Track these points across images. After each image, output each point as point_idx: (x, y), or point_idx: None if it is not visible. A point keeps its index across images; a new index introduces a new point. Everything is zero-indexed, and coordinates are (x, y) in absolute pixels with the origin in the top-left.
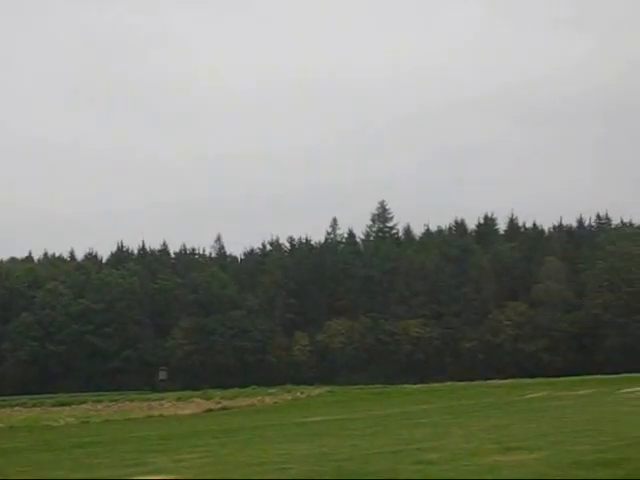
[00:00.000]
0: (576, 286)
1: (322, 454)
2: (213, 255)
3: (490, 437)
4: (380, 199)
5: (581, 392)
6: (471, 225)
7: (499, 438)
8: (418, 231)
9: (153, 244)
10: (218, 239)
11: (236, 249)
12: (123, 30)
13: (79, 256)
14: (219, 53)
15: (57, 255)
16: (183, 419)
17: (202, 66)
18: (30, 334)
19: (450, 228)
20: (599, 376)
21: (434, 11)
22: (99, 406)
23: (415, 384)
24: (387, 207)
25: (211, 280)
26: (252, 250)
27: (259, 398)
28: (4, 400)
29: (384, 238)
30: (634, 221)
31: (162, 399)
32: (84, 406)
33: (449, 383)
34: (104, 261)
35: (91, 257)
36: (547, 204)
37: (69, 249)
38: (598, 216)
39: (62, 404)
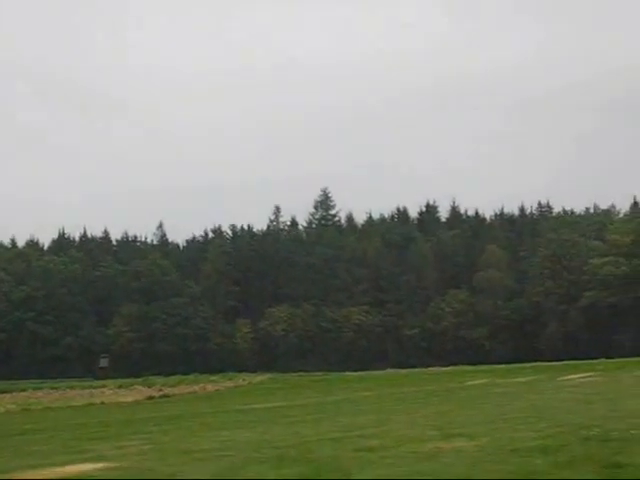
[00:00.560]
0: (517, 274)
1: (264, 441)
2: (155, 242)
3: (431, 424)
4: (322, 187)
5: (521, 379)
6: (413, 213)
7: (440, 425)
8: (360, 219)
9: (95, 231)
10: (160, 226)
11: (178, 236)
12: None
13: (20, 243)
14: (160, 39)
15: None
16: (124, 406)
17: (145, 50)
18: None
19: (392, 216)
20: (539, 363)
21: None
22: (40, 393)
23: (357, 371)
24: (329, 195)
25: (153, 267)
26: (194, 237)
27: (201, 385)
28: None
29: (326, 226)
30: (575, 209)
31: (103, 386)
32: (25, 393)
33: (391, 370)
34: (45, 248)
35: (32, 244)
36: (489, 192)
37: (10, 236)
38: (539, 204)
39: (2, 391)
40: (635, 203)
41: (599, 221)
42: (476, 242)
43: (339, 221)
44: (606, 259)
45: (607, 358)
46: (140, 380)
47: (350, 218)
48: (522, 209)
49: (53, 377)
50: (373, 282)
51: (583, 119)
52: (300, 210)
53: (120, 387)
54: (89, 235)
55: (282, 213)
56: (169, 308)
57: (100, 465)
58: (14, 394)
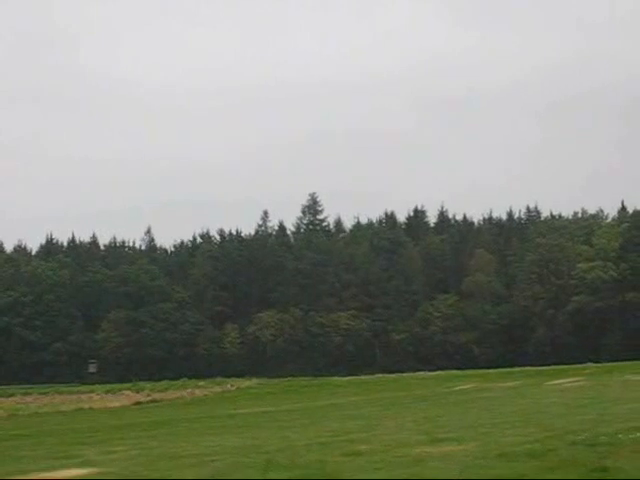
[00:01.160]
0: (505, 278)
1: (252, 446)
2: (143, 248)
3: (419, 428)
4: (311, 191)
5: (509, 384)
6: (401, 217)
7: (428, 429)
8: (349, 223)
9: (83, 236)
10: (148, 231)
11: (166, 242)
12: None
13: (8, 248)
14: (144, 57)
15: None
16: (113, 412)
17: (126, 69)
18: None
19: (380, 220)
20: (527, 368)
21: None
22: (28, 399)
23: (345, 376)
24: (317, 199)
25: (141, 273)
26: (182, 242)
27: (189, 390)
28: None
29: (315, 230)
30: (563, 214)
31: (92, 392)
32: (13, 399)
33: (379, 375)
34: (34, 253)
35: (20, 249)
36: (477, 197)
37: None
38: (528, 209)
39: None
40: (623, 208)
41: (587, 226)
42: (464, 247)
43: (327, 226)
44: (594, 264)
45: (595, 362)
46: (128, 385)
47: (338, 223)
48: (510, 214)
49: (42, 382)
50: (361, 287)
51: (571, 125)
52: (288, 215)
53: (108, 392)
54: (77, 240)
55: (270, 218)
56: (157, 313)
57: (88, 470)
58: (2, 399)
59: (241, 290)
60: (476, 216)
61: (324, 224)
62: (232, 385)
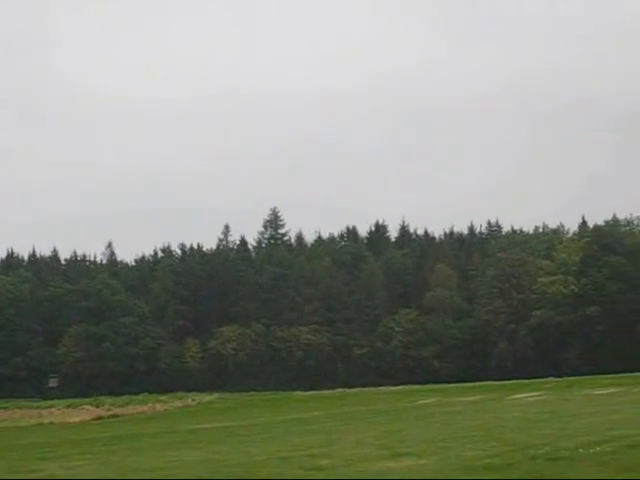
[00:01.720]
0: (467, 293)
1: (213, 461)
2: (104, 262)
3: (380, 443)
4: (272, 206)
5: (471, 398)
6: (363, 232)
7: (389, 444)
8: (310, 238)
9: (44, 251)
10: (109, 246)
11: (128, 256)
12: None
13: None
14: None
15: None
16: (73, 426)
17: (93, 75)
18: None
19: (342, 235)
20: (489, 382)
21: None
22: None
23: (306, 391)
24: (279, 214)
25: (102, 287)
26: (143, 257)
27: (150, 405)
28: None
29: (276, 245)
30: (524, 228)
31: (52, 406)
32: None
33: (340, 389)
34: None
35: None
36: (438, 212)
37: None
38: (489, 223)
39: None
40: (583, 222)
41: (548, 240)
42: (426, 261)
43: (289, 240)
44: (555, 278)
45: (556, 377)
46: (89, 400)
47: (300, 237)
48: (471, 228)
49: (1, 397)
50: (323, 301)
51: (534, 141)
52: (250, 226)
53: (69, 407)
54: (38, 255)
55: (231, 232)
56: (118, 327)
57: None
58: None
59: (202, 305)
60: (437, 231)
61: (285, 238)
62: (193, 400)
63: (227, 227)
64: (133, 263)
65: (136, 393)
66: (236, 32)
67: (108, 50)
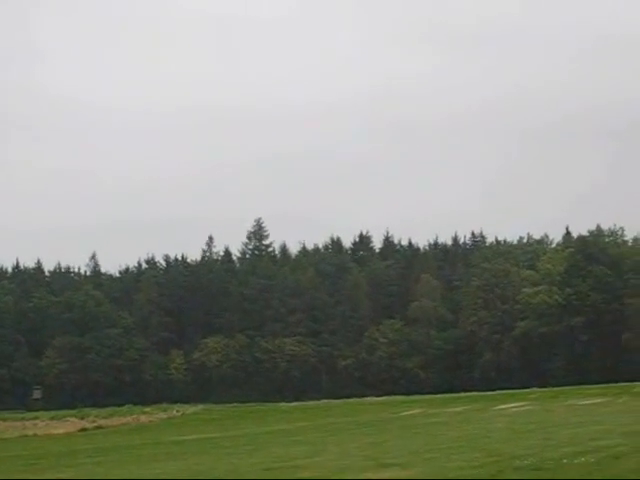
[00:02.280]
0: (451, 303)
1: (197, 472)
2: (88, 273)
3: (365, 454)
4: (256, 217)
5: (455, 409)
6: (347, 243)
7: (374, 455)
8: (294, 249)
9: (27, 262)
10: (93, 257)
11: (112, 267)
12: None
13: None
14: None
15: None
16: (57, 438)
17: (73, 85)
18: None
19: (326, 246)
20: (473, 393)
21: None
22: None
23: (291, 402)
24: (263, 225)
25: (86, 299)
26: (128, 268)
27: (134, 417)
28: None
29: (260, 256)
30: (508, 239)
31: (36, 418)
32: None
33: (325, 401)
34: None
35: None
36: (422, 222)
37: None
38: (473, 234)
39: None
40: (568, 233)
41: (532, 251)
42: (410, 272)
43: (273, 252)
44: (539, 288)
45: (540, 387)
46: (74, 412)
47: (284, 248)
48: (455, 239)
49: None
50: (307, 312)
51: (517, 153)
52: (234, 238)
53: (53, 419)
54: (22, 266)
55: (215, 244)
56: (103, 339)
57: None
58: None
59: (186, 316)
60: (421, 242)
61: (269, 249)
62: (178, 411)
63: (211, 238)
64: (117, 274)
65: (120, 404)
66: (220, 44)
67: (92, 60)
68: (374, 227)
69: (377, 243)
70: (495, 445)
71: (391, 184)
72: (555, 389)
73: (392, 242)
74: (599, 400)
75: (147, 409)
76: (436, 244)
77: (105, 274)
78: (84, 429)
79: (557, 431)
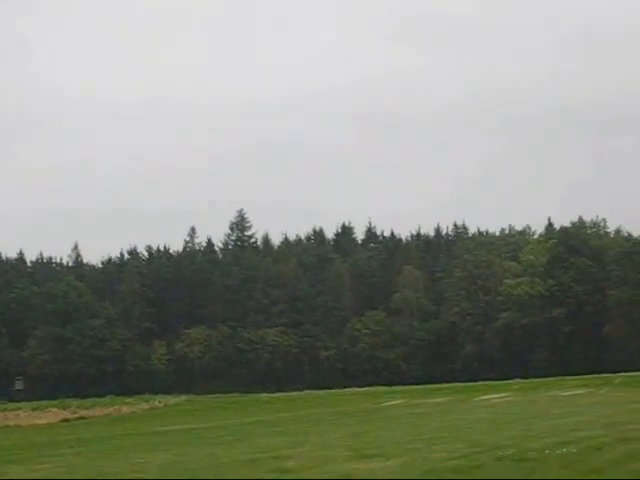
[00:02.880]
0: (433, 294)
1: (178, 463)
2: (70, 264)
3: (347, 445)
4: (239, 208)
5: (437, 400)
6: (329, 234)
7: (355, 446)
8: (277, 240)
9: (10, 253)
10: (75, 248)
11: (94, 258)
12: None
13: None
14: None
15: None
16: (39, 429)
17: (63, 77)
18: None
19: (309, 237)
20: (455, 384)
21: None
22: None
23: (273, 392)
24: (245, 216)
25: (68, 289)
26: (110, 259)
27: (116, 407)
28: None
29: (243, 247)
30: (490, 230)
31: (18, 409)
32: None
33: (307, 391)
34: None
35: None
36: (405, 213)
37: None
38: (455, 225)
39: None
40: (550, 224)
41: (514, 242)
42: (392, 263)
43: (255, 242)
44: (521, 279)
45: (522, 378)
46: (56, 402)
47: (266, 239)
48: (438, 230)
49: None
50: (289, 303)
51: (499, 144)
52: (217, 228)
53: (35, 409)
54: (4, 257)
55: (197, 234)
56: (85, 330)
57: None
58: None
59: (169, 307)
60: (404, 232)
61: (252, 240)
62: (160, 402)
63: (193, 229)
64: (100, 265)
65: (103, 395)
66: (203, 35)
67: (77, 50)
68: (357, 218)
69: (360, 234)
70: (477, 436)
71: (374, 175)
72: (537, 380)
73: (374, 233)
74: (581, 391)
75: (129, 400)
76: (419, 235)
77: (87, 265)
78: (66, 420)
79: (539, 422)
